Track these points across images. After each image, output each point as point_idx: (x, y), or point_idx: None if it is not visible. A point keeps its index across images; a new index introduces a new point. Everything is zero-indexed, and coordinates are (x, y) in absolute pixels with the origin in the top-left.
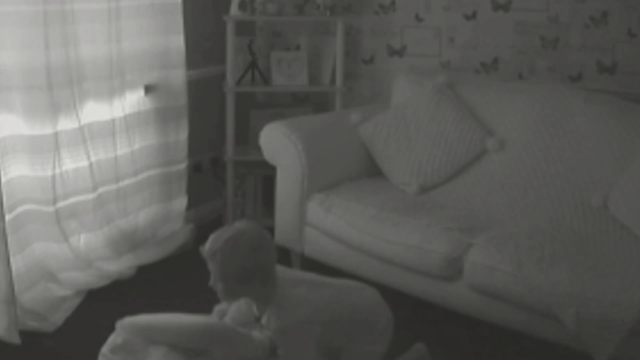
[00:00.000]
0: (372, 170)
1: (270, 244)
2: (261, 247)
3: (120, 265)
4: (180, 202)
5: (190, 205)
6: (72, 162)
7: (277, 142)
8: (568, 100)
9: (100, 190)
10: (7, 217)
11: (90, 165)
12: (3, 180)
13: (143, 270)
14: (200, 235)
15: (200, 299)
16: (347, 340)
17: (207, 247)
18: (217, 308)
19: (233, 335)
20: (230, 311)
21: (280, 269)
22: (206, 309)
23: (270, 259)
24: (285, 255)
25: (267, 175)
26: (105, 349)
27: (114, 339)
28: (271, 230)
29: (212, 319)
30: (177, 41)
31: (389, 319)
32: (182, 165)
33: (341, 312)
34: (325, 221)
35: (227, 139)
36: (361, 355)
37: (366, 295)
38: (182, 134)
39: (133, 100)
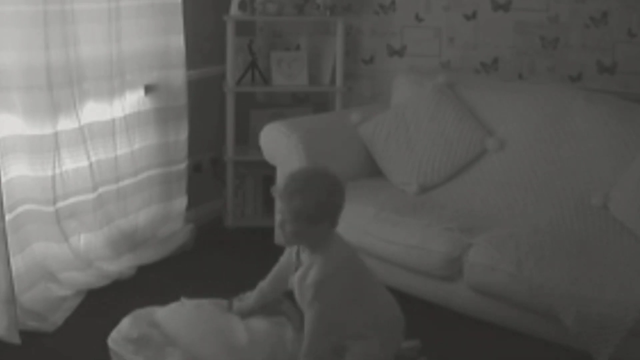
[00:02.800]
0: (372, 170)
1: (342, 185)
2: (334, 187)
3: (120, 265)
4: (180, 202)
5: (190, 205)
6: (72, 162)
7: (277, 142)
8: (568, 100)
9: (100, 190)
10: (7, 217)
11: (90, 165)
12: (3, 180)
13: (143, 270)
14: (200, 235)
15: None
16: (354, 334)
17: (283, 188)
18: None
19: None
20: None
21: None
22: None
23: (343, 199)
24: None
25: (267, 175)
26: (116, 335)
27: (129, 330)
28: (271, 230)
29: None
30: (177, 41)
31: (401, 327)
32: (182, 165)
33: (364, 290)
34: None
35: (227, 139)
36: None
37: (387, 298)
38: (182, 134)
39: (133, 100)
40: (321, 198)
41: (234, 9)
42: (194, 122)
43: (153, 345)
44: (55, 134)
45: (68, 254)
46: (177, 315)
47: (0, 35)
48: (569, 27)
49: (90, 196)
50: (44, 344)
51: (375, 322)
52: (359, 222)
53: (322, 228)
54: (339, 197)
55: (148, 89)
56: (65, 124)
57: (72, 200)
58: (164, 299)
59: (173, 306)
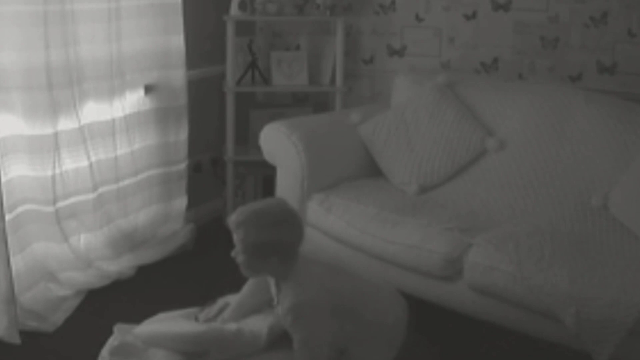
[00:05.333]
0: (372, 170)
1: (295, 222)
2: (285, 224)
3: (120, 265)
4: (180, 202)
5: (190, 205)
6: (72, 162)
7: (277, 142)
8: (568, 100)
9: (100, 190)
10: (7, 217)
11: (90, 165)
12: (3, 180)
13: (143, 270)
14: (200, 235)
15: (200, 299)
16: (351, 339)
17: (232, 218)
18: (220, 300)
19: (224, 336)
20: (238, 297)
21: (305, 253)
22: None
23: (294, 237)
24: None
25: (267, 175)
26: (104, 351)
27: (111, 342)
28: None
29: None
30: (177, 41)
31: (401, 331)
32: (182, 165)
33: (353, 303)
34: (326, 221)
35: (227, 139)
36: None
37: (386, 299)
38: (182, 134)
39: (133, 100)
40: (263, 234)
41: (234, 9)
42: (194, 122)
43: (135, 352)
44: (55, 134)
45: (68, 254)
46: (154, 323)
47: (0, 35)
48: (569, 27)
49: (90, 196)
50: (44, 344)
51: (372, 328)
52: (359, 222)
53: (273, 263)
54: (285, 233)
55: (148, 89)
56: (65, 124)
57: (72, 200)
58: (164, 299)
59: (147, 321)
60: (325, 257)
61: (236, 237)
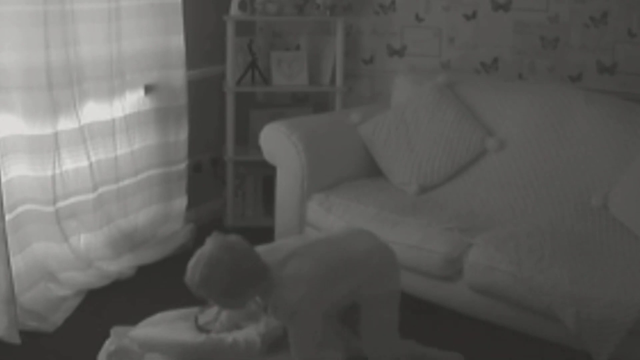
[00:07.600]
0: (372, 170)
1: (245, 253)
2: (236, 264)
3: (120, 265)
4: (180, 202)
5: (190, 205)
6: (72, 162)
7: (277, 142)
8: (568, 100)
9: (100, 190)
10: (7, 217)
11: (90, 165)
12: (3, 180)
13: (143, 270)
14: (200, 235)
15: (199, 300)
16: (356, 286)
17: (188, 282)
18: None
19: (221, 347)
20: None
21: (265, 251)
22: None
23: (251, 264)
24: None
25: (267, 175)
26: (101, 355)
27: (107, 346)
28: (271, 230)
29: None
30: (177, 41)
31: (390, 256)
32: (182, 165)
33: (337, 260)
34: (326, 221)
35: (227, 139)
36: (378, 302)
37: (359, 238)
38: (182, 134)
39: (133, 100)
40: (223, 284)
41: (234, 9)
42: (194, 122)
43: (132, 356)
44: (55, 134)
45: (68, 254)
46: (150, 326)
47: (0, 35)
48: (569, 27)
49: (90, 196)
50: (44, 344)
51: (365, 270)
52: (359, 222)
53: (251, 291)
54: (242, 270)
55: (148, 89)
56: (65, 124)
57: (72, 200)
58: (164, 299)
59: (145, 321)
60: None
61: (202, 295)
